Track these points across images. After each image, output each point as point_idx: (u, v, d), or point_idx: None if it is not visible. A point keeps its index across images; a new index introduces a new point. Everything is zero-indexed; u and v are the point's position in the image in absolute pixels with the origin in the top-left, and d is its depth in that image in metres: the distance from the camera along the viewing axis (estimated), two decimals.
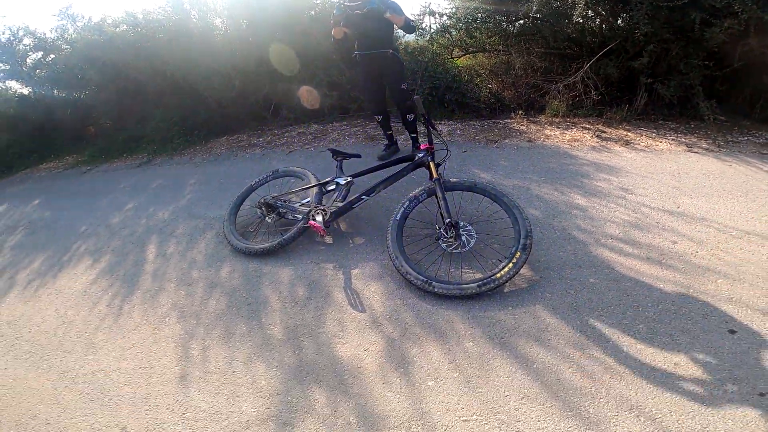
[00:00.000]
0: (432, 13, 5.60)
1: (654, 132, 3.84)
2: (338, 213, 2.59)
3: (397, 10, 3.08)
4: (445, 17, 5.59)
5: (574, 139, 3.80)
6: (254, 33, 5.20)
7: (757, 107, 4.04)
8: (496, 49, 5.40)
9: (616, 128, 3.98)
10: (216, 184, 4.05)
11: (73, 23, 6.86)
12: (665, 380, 1.58)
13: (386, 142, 3.77)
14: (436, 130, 2.61)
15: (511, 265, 2.06)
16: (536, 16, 4.83)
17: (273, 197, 2.84)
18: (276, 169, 3.20)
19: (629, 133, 3.84)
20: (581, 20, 4.73)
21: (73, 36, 6.74)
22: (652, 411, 1.48)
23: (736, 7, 3.43)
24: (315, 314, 2.18)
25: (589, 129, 4.00)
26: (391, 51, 3.21)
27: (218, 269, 2.69)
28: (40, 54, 7.21)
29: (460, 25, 5.40)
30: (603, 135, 3.85)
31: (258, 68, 5.20)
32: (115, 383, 2.02)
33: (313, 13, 5.16)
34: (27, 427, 1.90)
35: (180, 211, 3.63)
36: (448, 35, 5.73)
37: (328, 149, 3.01)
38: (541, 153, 3.62)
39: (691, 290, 1.98)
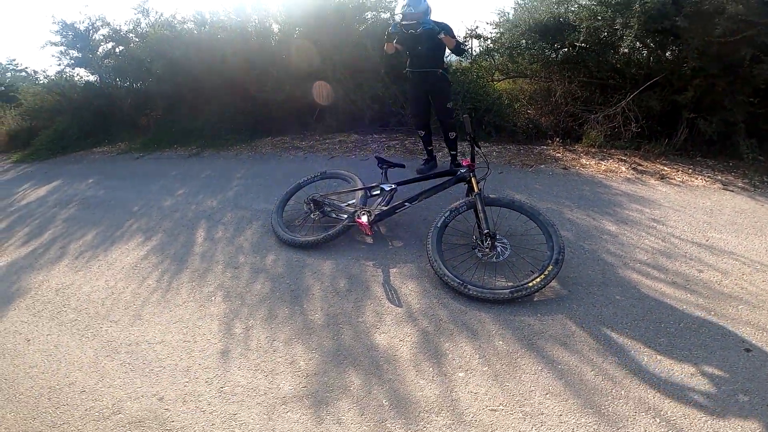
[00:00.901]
0: (477, 36, 5.77)
1: (691, 168, 3.89)
2: (382, 215, 2.77)
3: (450, 33, 3.28)
4: (489, 41, 5.77)
5: (609, 170, 3.89)
6: (307, 41, 5.51)
7: None
8: (537, 76, 5.52)
9: (653, 162, 4.04)
10: (261, 181, 4.31)
11: (146, 17, 7.38)
12: (682, 387, 1.69)
13: (425, 157, 3.95)
14: (480, 149, 2.78)
15: (542, 276, 2.19)
16: (582, 45, 4.94)
17: (321, 195, 3.04)
18: (324, 170, 3.42)
19: (666, 168, 3.90)
20: (627, 51, 4.81)
21: (145, 30, 7.22)
22: (667, 414, 1.58)
23: None
24: (354, 305, 2.34)
25: (625, 161, 4.07)
26: (440, 71, 3.40)
27: (263, 256, 2.90)
28: (111, 44, 7.71)
29: (504, 49, 5.57)
30: (639, 168, 3.91)
31: (308, 74, 5.50)
32: (158, 355, 2.09)
33: (362, 28, 5.43)
34: (60, 393, 1.93)
35: (227, 202, 3.89)
36: (491, 59, 5.91)
37: (375, 156, 3.20)
38: (575, 180, 3.72)
39: (713, 313, 2.07)
